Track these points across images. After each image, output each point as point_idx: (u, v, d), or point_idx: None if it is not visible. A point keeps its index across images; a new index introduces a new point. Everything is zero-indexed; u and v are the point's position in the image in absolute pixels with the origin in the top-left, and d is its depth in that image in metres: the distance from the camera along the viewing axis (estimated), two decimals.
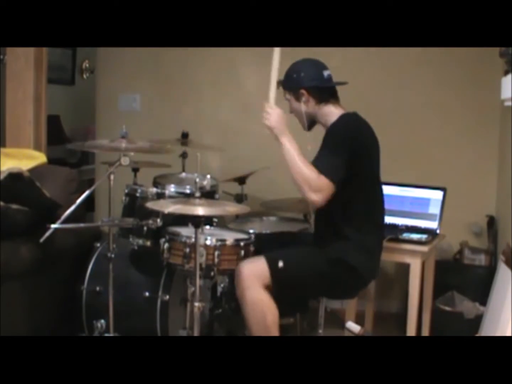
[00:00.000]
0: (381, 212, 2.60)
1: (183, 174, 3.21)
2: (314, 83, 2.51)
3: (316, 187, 2.32)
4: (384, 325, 3.47)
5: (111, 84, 4.28)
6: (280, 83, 2.59)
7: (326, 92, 2.54)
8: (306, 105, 2.53)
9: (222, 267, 2.55)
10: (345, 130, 2.45)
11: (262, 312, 2.39)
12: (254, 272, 2.40)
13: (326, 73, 2.54)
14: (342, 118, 2.50)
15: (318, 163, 2.36)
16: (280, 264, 2.40)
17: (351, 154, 2.39)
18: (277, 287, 2.41)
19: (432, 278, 3.26)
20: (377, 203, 2.58)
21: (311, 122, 2.59)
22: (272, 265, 2.40)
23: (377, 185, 2.57)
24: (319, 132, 2.57)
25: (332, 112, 2.53)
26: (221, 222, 2.98)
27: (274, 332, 2.40)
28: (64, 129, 5.56)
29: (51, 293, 2.87)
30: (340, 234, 2.46)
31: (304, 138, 2.59)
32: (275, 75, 2.50)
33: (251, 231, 2.82)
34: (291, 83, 2.55)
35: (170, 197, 2.83)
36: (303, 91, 2.52)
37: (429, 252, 3.02)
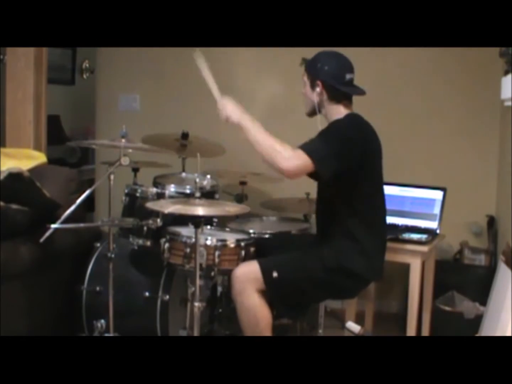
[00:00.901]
0: (383, 214, 2.60)
1: (183, 174, 3.21)
2: (332, 82, 2.48)
3: (288, 155, 2.27)
4: (384, 325, 3.47)
5: (111, 84, 4.28)
6: (304, 61, 2.57)
7: (341, 93, 2.51)
8: (318, 97, 2.51)
9: (223, 267, 2.55)
10: (348, 129, 2.44)
11: (255, 317, 2.40)
12: (248, 277, 2.41)
13: (348, 76, 2.50)
14: (347, 117, 2.50)
15: (303, 144, 2.33)
16: (275, 274, 2.39)
17: (354, 154, 2.38)
18: (272, 296, 2.42)
19: (432, 278, 3.26)
20: (379, 204, 2.57)
21: (316, 112, 2.56)
22: (266, 274, 2.39)
23: (380, 186, 2.56)
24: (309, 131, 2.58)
25: (339, 111, 2.51)
26: (221, 222, 2.98)
27: (267, 334, 2.41)
28: (64, 129, 5.56)
29: (51, 293, 2.87)
30: (342, 237, 2.46)
31: (302, 134, 2.59)
32: (207, 75, 2.60)
33: (251, 231, 2.82)
34: (312, 70, 2.53)
35: (170, 197, 2.83)
36: (319, 82, 2.49)
37: (429, 252, 3.02)
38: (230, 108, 2.45)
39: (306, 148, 2.30)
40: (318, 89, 2.50)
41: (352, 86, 2.53)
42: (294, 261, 2.50)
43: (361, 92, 2.54)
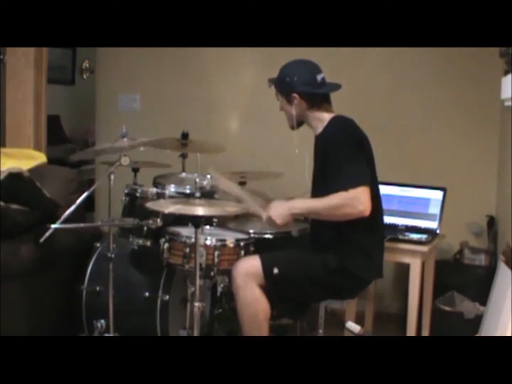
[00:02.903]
0: (380, 212, 2.60)
1: (183, 174, 3.21)
2: (307, 89, 2.47)
3: (353, 201, 2.28)
4: (384, 325, 3.47)
5: (111, 84, 4.28)
6: (272, 82, 2.57)
7: (319, 96, 2.50)
8: (298, 109, 2.50)
9: (222, 267, 2.55)
10: (346, 134, 2.44)
11: (254, 310, 2.41)
12: (249, 272, 2.41)
13: (319, 76, 2.49)
14: (333, 122, 2.49)
15: (341, 179, 2.32)
16: (275, 271, 2.40)
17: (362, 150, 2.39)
18: (272, 291, 2.42)
19: (432, 278, 3.26)
20: (376, 202, 2.57)
21: (299, 123, 2.57)
22: (267, 270, 2.40)
23: (375, 185, 2.56)
24: (306, 133, 2.58)
25: (322, 117, 2.51)
26: (221, 222, 2.98)
27: (265, 327, 2.43)
28: (64, 129, 5.56)
29: (51, 293, 2.87)
30: (340, 238, 2.45)
31: (291, 140, 2.58)
32: (233, 189, 2.55)
33: (251, 231, 2.82)
34: (283, 87, 2.52)
35: (170, 197, 2.83)
36: (295, 95, 2.48)
37: (429, 252, 3.02)
38: (277, 213, 2.41)
39: (351, 182, 2.29)
40: (296, 102, 2.49)
41: (326, 85, 2.53)
42: (295, 259, 2.50)
43: (337, 87, 2.54)
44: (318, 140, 2.55)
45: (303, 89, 2.47)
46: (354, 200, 2.28)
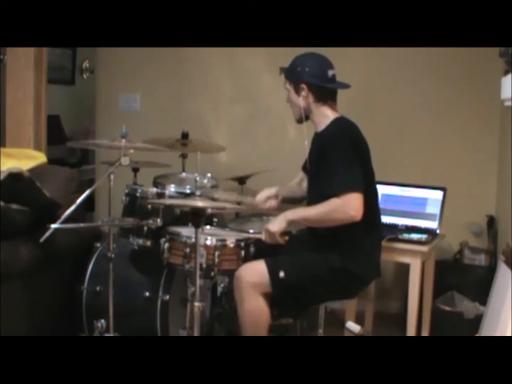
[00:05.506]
0: (378, 212, 2.60)
1: (183, 174, 3.21)
2: (317, 81, 2.48)
3: (344, 207, 2.30)
4: (384, 325, 3.47)
5: (111, 84, 4.28)
6: (283, 71, 2.57)
7: (327, 92, 2.52)
8: (305, 101, 2.51)
9: (223, 267, 2.55)
10: (346, 137, 2.44)
11: (259, 318, 2.42)
12: (255, 280, 2.41)
13: (330, 72, 2.51)
14: (335, 123, 2.50)
15: (334, 184, 2.34)
16: (281, 274, 2.40)
17: (360, 155, 2.40)
18: (277, 295, 2.43)
19: (432, 278, 3.26)
20: (373, 203, 2.57)
21: (305, 117, 2.56)
22: (273, 274, 2.40)
23: (373, 185, 2.57)
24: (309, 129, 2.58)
25: (327, 115, 2.52)
26: (221, 222, 2.98)
27: (263, 334, 2.44)
28: (64, 129, 5.56)
29: (51, 293, 2.87)
30: (339, 238, 2.45)
31: (301, 133, 2.58)
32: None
33: (251, 231, 2.82)
34: (293, 76, 2.53)
35: (170, 197, 2.83)
36: (304, 86, 2.49)
37: (429, 252, 3.02)
38: (272, 224, 2.46)
39: (343, 187, 2.32)
40: (303, 93, 2.50)
41: (336, 82, 2.54)
42: (300, 260, 2.50)
43: (345, 86, 2.55)
44: (318, 137, 2.55)
45: (312, 81, 2.48)
46: (345, 206, 2.30)
